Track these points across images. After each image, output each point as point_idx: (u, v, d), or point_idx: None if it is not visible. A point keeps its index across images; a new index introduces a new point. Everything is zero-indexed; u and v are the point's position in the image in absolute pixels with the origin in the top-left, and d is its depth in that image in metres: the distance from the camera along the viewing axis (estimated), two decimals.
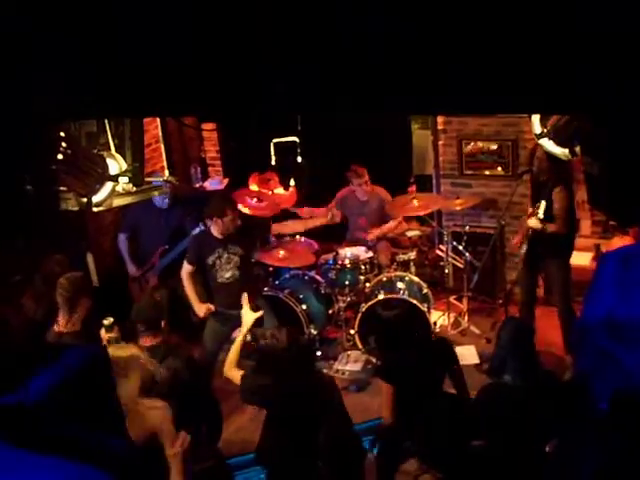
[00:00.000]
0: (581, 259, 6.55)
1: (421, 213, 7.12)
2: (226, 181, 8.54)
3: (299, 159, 6.65)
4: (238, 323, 5.00)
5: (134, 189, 4.42)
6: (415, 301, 6.53)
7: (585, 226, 7.19)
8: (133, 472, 2.59)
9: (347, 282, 6.91)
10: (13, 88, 2.37)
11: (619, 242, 5.45)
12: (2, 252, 2.87)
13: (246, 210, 6.65)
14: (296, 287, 6.94)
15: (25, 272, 3.14)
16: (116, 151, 4.24)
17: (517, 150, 7.25)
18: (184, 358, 4.53)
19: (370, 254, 7.00)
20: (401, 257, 7.09)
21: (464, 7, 2.01)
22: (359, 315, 6.63)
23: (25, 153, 2.79)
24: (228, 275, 5.91)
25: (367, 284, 6.86)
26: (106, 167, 4.10)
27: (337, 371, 6.54)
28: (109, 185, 4.13)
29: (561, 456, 3.36)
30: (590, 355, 3.47)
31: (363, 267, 6.91)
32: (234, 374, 4.40)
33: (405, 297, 6.57)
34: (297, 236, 7.19)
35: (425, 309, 6.57)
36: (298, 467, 4.18)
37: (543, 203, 5.85)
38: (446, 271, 7.34)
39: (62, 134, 3.64)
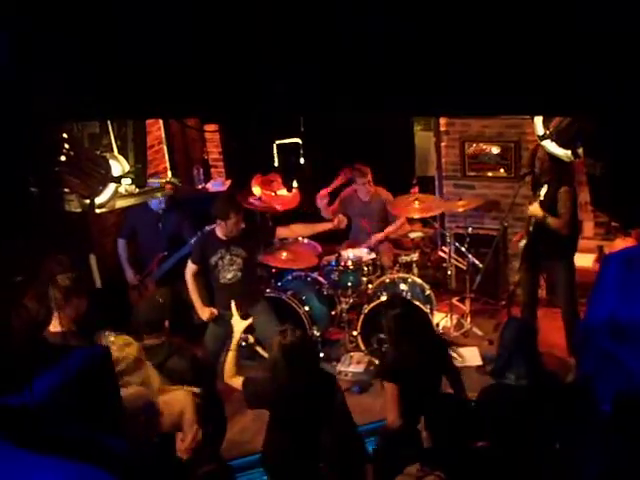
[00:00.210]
0: (584, 261, 6.54)
1: (424, 215, 7.12)
2: (229, 182, 8.55)
3: (302, 160, 6.63)
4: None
5: (137, 190, 4.42)
6: (418, 302, 6.52)
7: (588, 228, 7.17)
8: (134, 472, 2.60)
9: (350, 283, 6.91)
10: (13, 88, 2.38)
11: (622, 243, 5.45)
12: (4, 253, 2.87)
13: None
14: (299, 288, 6.95)
15: (27, 273, 3.15)
16: (119, 152, 4.24)
17: (520, 152, 7.25)
18: (189, 358, 4.54)
19: (373, 255, 7.00)
20: (404, 258, 7.09)
21: (464, 7, 2.01)
22: (362, 316, 6.63)
23: (27, 154, 2.79)
24: (230, 276, 5.92)
25: (370, 285, 6.86)
26: (109, 168, 4.10)
27: (340, 372, 6.54)
28: (112, 186, 4.13)
29: (564, 457, 3.36)
30: (593, 357, 3.47)
31: (366, 268, 6.91)
32: (235, 381, 4.41)
33: (408, 298, 6.56)
34: (300, 238, 7.20)
35: (428, 310, 6.57)
36: (301, 468, 4.18)
37: (545, 187, 5.85)
38: (449, 273, 7.33)
39: (65, 136, 3.64)
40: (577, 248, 6.20)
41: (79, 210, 4.10)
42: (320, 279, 7.11)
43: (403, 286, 6.78)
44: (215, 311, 6.02)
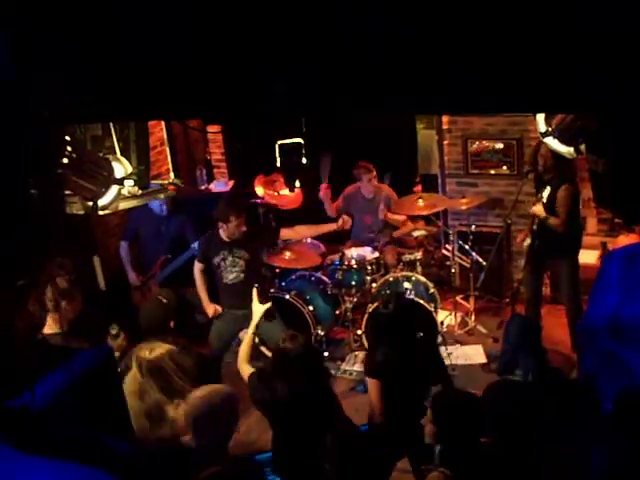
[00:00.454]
0: (588, 257, 6.54)
1: (427, 213, 7.12)
2: (231, 183, 8.56)
3: (304, 160, 6.64)
4: (244, 324, 5.02)
5: (140, 192, 4.43)
6: (422, 301, 6.53)
7: (591, 224, 7.17)
8: (138, 474, 2.60)
9: (353, 283, 6.92)
10: (13, 88, 2.38)
11: (625, 240, 5.44)
12: (7, 256, 2.88)
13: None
14: (303, 288, 6.95)
15: (30, 276, 3.16)
16: (121, 154, 4.24)
17: (522, 149, 7.25)
18: (194, 356, 4.55)
19: (376, 254, 7.01)
20: (407, 257, 7.09)
21: (464, 7, 2.01)
22: (366, 315, 6.63)
23: (27, 155, 2.80)
24: (232, 277, 5.93)
25: (373, 284, 6.86)
26: (111, 170, 4.11)
27: (344, 372, 6.54)
28: (115, 188, 4.13)
29: (566, 455, 3.35)
30: (594, 355, 3.47)
31: (369, 267, 6.91)
32: (245, 369, 4.43)
33: (412, 297, 6.57)
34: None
35: (432, 309, 6.57)
36: (304, 469, 4.18)
37: (548, 188, 5.87)
38: (452, 270, 7.33)
39: (67, 138, 3.65)
40: (581, 245, 6.19)
41: (82, 212, 4.10)
42: (324, 278, 7.12)
43: (407, 284, 6.78)
44: (219, 308, 6.05)
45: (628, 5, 1.88)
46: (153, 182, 5.23)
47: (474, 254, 7.12)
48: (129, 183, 4.25)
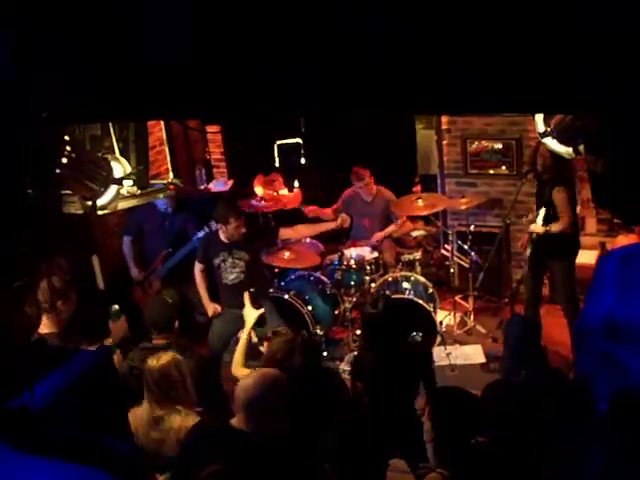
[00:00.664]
0: (587, 257, 6.53)
1: (426, 213, 7.11)
2: (231, 182, 8.56)
3: (303, 160, 6.65)
4: (243, 323, 5.01)
5: (139, 192, 4.43)
6: (421, 301, 6.53)
7: (590, 224, 7.17)
8: (137, 475, 2.60)
9: (353, 282, 6.92)
10: (13, 88, 2.38)
11: (624, 240, 5.43)
12: (5, 256, 2.88)
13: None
14: (302, 288, 6.95)
15: (29, 276, 3.16)
16: (120, 154, 4.24)
17: (521, 149, 7.25)
18: (195, 358, 4.55)
19: (375, 254, 7.01)
20: (406, 257, 7.09)
21: (464, 7, 2.01)
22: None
23: (26, 155, 2.80)
24: (232, 277, 5.93)
25: (372, 284, 6.86)
26: (110, 170, 4.10)
27: (344, 372, 6.53)
28: (114, 188, 4.13)
29: (564, 455, 3.36)
30: (590, 356, 3.47)
31: (368, 267, 6.91)
32: (242, 372, 4.43)
33: (411, 297, 6.57)
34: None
35: (431, 309, 6.57)
36: (305, 469, 4.17)
37: (542, 210, 5.86)
38: (451, 271, 7.33)
39: (66, 138, 3.65)
40: (579, 246, 6.19)
41: (81, 212, 4.10)
42: (323, 278, 7.11)
43: (406, 284, 6.78)
44: (219, 308, 6.06)
45: (628, 5, 1.88)
46: (156, 182, 5.25)
47: (473, 254, 7.12)
48: (128, 183, 4.25)
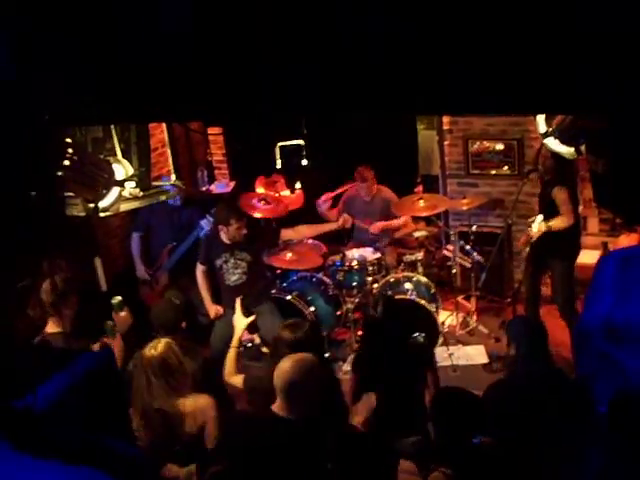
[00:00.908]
0: (589, 257, 6.52)
1: (428, 213, 7.11)
2: (232, 184, 8.56)
3: (304, 162, 6.65)
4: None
5: (141, 194, 4.43)
6: (423, 301, 6.53)
7: (592, 224, 7.17)
8: (138, 476, 2.60)
9: (355, 283, 6.91)
10: (13, 88, 2.38)
11: (626, 240, 5.44)
12: (8, 258, 2.88)
13: (257, 214, 6.68)
14: (304, 289, 6.95)
15: (31, 278, 3.17)
16: (122, 156, 4.25)
17: (523, 149, 7.25)
18: (200, 359, 4.56)
19: (377, 255, 7.00)
20: (408, 258, 7.08)
21: (464, 7, 2.01)
22: None
23: (29, 157, 2.80)
24: (235, 278, 5.94)
25: (375, 285, 6.86)
26: (112, 172, 4.11)
27: (346, 372, 6.53)
28: (116, 190, 4.14)
29: (565, 456, 3.36)
30: (590, 357, 3.47)
31: (370, 268, 6.91)
32: (234, 380, 4.42)
33: (413, 297, 6.57)
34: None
35: (433, 309, 6.57)
36: (308, 469, 4.17)
37: (540, 217, 5.85)
38: (454, 271, 7.33)
39: (68, 140, 3.66)
40: (580, 247, 6.18)
41: (83, 214, 4.11)
42: (325, 279, 7.11)
43: (408, 285, 6.77)
44: (221, 309, 6.07)
45: (628, 5, 1.88)
46: (164, 183, 5.26)
47: (475, 254, 7.11)
48: (130, 185, 4.25)
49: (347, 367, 6.63)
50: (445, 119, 7.55)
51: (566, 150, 4.22)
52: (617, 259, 3.88)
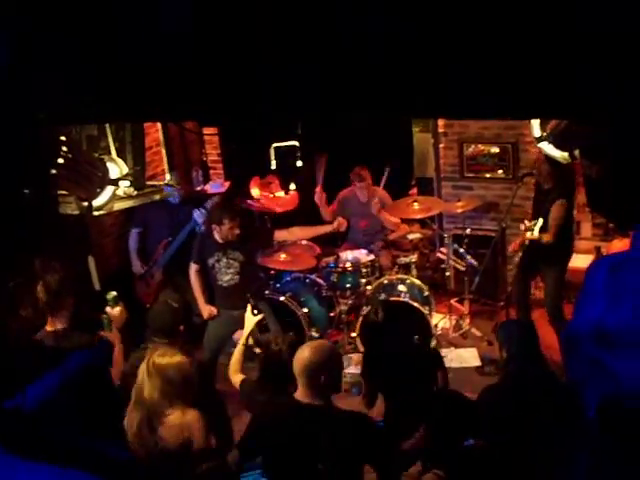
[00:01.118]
0: (582, 261, 6.54)
1: (422, 216, 7.12)
2: (227, 184, 8.55)
3: (299, 163, 6.65)
4: (239, 325, 5.00)
5: (135, 193, 4.42)
6: (416, 304, 6.52)
7: (586, 228, 7.18)
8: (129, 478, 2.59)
9: (348, 285, 6.91)
10: (13, 88, 2.38)
11: (619, 244, 5.45)
12: (1, 256, 2.87)
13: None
14: (297, 290, 6.94)
15: (24, 276, 3.16)
16: (117, 155, 4.24)
17: (518, 153, 7.27)
18: (195, 362, 4.53)
19: (371, 257, 7.00)
20: (402, 260, 7.09)
21: (464, 7, 2.01)
22: (360, 318, 6.62)
23: (24, 155, 2.79)
24: (227, 278, 5.92)
25: (368, 287, 6.85)
26: (106, 171, 4.10)
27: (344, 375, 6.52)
28: (110, 189, 4.13)
29: (556, 458, 3.36)
30: (580, 362, 3.47)
31: (364, 270, 6.90)
32: (237, 377, 4.42)
33: (407, 300, 6.57)
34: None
35: (426, 312, 6.57)
36: (299, 470, 4.16)
37: (540, 221, 5.84)
38: (447, 274, 7.34)
39: (63, 138, 3.64)
40: (570, 255, 6.18)
41: (77, 212, 4.10)
42: (319, 281, 7.10)
43: (402, 287, 6.77)
44: (214, 310, 6.05)
45: (628, 5, 1.88)
46: (165, 184, 5.26)
47: (469, 257, 7.12)
48: (124, 184, 4.24)
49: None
50: (440, 122, 7.57)
51: (560, 154, 4.24)
52: (608, 264, 3.88)
